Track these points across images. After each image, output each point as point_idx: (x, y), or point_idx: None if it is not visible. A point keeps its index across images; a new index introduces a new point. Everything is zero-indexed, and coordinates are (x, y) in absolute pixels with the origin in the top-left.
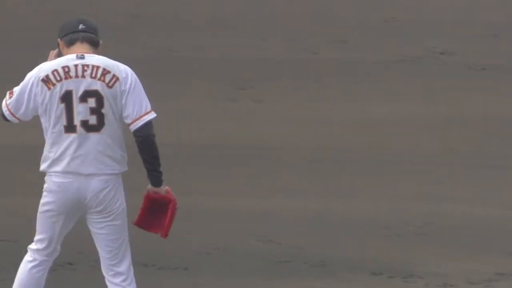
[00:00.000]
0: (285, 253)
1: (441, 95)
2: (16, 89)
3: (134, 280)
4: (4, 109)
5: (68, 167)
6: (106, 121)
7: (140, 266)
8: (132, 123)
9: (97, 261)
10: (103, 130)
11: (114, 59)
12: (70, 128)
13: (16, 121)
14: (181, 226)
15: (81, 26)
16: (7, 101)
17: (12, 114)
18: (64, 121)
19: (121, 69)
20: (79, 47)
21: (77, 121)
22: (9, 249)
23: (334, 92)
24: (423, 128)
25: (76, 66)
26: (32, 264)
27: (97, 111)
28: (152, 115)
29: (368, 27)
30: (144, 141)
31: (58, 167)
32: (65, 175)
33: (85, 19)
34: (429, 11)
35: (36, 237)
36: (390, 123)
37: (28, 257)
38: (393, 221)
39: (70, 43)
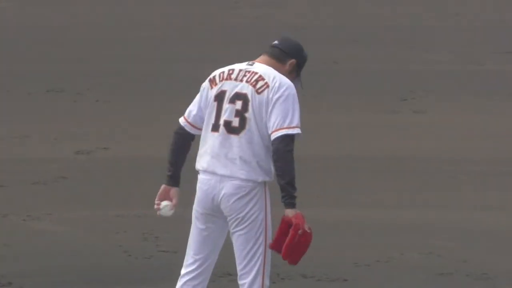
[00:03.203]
0: (447, 265)
1: None
2: None
3: None
4: (181, 119)
5: (207, 165)
6: (247, 126)
7: (299, 277)
8: (271, 133)
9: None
10: (242, 134)
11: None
12: (215, 126)
13: (190, 128)
14: (341, 238)
15: (275, 42)
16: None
17: (185, 119)
18: (212, 119)
19: (276, 79)
20: (261, 57)
21: (222, 121)
22: (168, 259)
23: (502, 105)
24: None
25: (240, 70)
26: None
27: (241, 114)
28: (293, 131)
29: None
30: (275, 153)
31: (201, 164)
32: (205, 173)
33: (285, 38)
34: None
35: (186, 261)
36: None
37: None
38: None
39: (260, 54)
